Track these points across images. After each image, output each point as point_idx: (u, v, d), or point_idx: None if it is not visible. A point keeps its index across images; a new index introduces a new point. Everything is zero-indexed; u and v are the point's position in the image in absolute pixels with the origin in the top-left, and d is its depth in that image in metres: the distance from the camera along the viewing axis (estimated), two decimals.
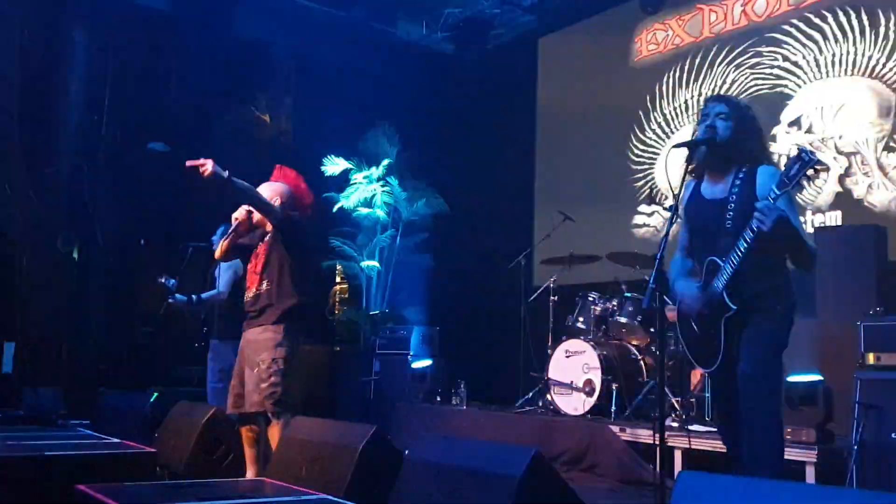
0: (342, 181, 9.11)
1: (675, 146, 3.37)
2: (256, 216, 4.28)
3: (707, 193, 3.40)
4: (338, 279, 9.35)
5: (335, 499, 2.86)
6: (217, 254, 4.47)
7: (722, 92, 7.47)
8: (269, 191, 4.33)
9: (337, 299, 9.28)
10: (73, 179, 8.28)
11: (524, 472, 2.50)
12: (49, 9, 8.06)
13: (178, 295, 5.94)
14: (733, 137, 3.28)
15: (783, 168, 3.03)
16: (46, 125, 8.18)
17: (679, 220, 3.41)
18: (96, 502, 2.84)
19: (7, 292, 7.70)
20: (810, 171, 2.91)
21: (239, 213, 4.33)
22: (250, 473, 4.08)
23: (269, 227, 4.29)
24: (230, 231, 4.33)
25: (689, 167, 3.40)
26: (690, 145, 3.36)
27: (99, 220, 8.33)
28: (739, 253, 3.10)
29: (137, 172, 8.75)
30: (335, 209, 9.03)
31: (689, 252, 3.52)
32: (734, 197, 3.25)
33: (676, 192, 3.29)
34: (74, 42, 8.27)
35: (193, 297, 5.81)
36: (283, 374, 4.01)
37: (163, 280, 6.01)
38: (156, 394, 5.51)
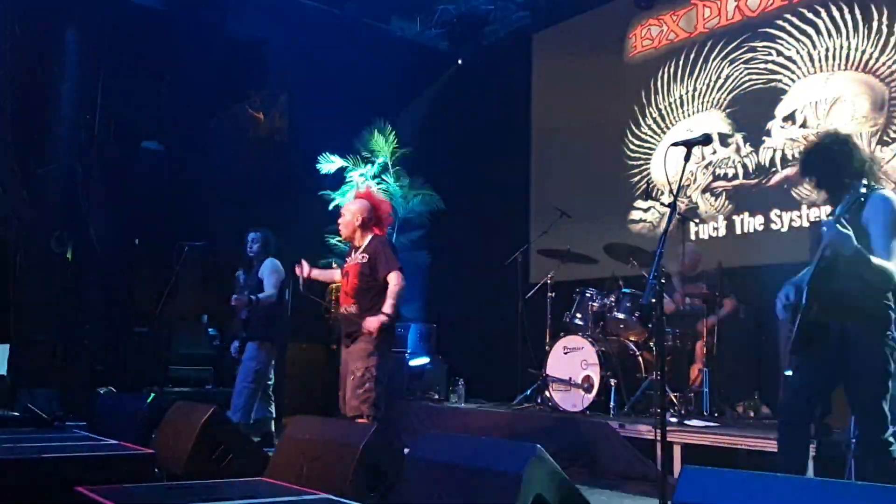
0: (338, 179, 9.09)
1: (673, 144, 3.42)
2: (342, 232, 4.96)
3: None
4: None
5: (336, 498, 2.85)
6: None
7: (717, 88, 7.49)
8: (353, 207, 4.84)
9: (333, 297, 9.26)
10: (66, 180, 8.25)
11: (526, 468, 2.49)
12: (41, 8, 8.01)
13: (237, 295, 5.94)
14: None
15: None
16: (39, 125, 8.15)
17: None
18: None
19: (1, 294, 7.67)
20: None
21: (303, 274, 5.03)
22: None
23: (360, 242, 4.82)
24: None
25: None
26: (689, 144, 3.40)
27: (93, 220, 8.30)
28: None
29: (131, 172, 8.73)
30: (331, 207, 9.02)
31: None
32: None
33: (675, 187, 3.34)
34: (66, 41, 8.23)
35: (252, 297, 5.83)
36: (376, 381, 4.54)
37: (239, 273, 6.14)
38: (153, 395, 5.48)
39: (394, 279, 4.66)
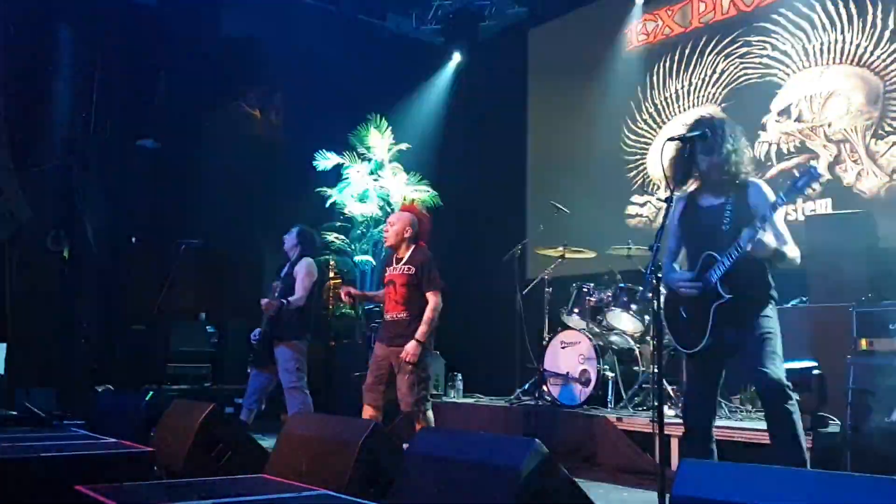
0: (334, 176, 9.10)
1: (669, 139, 3.49)
2: (390, 240, 5.19)
3: (705, 203, 3.76)
4: (331, 274, 9.33)
5: (336, 494, 2.86)
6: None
7: (713, 82, 7.51)
8: (401, 222, 5.15)
9: (331, 295, 9.26)
10: (62, 178, 8.24)
11: (525, 463, 2.50)
12: (35, 6, 8.00)
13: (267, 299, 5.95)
14: (726, 172, 3.60)
15: (793, 179, 3.38)
16: (34, 124, 8.14)
17: (667, 231, 3.71)
18: (95, 503, 2.83)
19: None
20: (815, 185, 3.16)
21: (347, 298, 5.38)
22: None
23: (404, 254, 5.14)
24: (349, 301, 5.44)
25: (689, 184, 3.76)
26: (685, 139, 3.56)
27: (89, 218, 8.30)
28: (732, 256, 3.48)
29: (126, 170, 8.72)
30: (328, 204, 9.03)
31: (676, 258, 3.88)
32: (731, 202, 3.64)
33: (672, 184, 3.49)
34: (61, 39, 8.22)
35: (283, 301, 5.83)
36: (427, 380, 4.96)
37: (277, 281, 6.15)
38: (151, 393, 5.48)
39: (433, 300, 5.00)
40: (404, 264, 5.09)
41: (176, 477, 4.16)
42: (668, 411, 5.52)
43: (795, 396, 3.46)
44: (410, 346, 4.87)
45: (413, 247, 5.15)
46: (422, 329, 4.90)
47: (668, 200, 3.49)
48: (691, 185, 3.78)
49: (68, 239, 8.20)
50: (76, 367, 7.70)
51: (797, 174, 3.38)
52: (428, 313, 4.96)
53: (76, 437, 4.75)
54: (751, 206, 3.57)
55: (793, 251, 3.55)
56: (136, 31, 8.51)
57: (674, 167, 3.73)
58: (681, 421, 5.22)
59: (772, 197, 3.54)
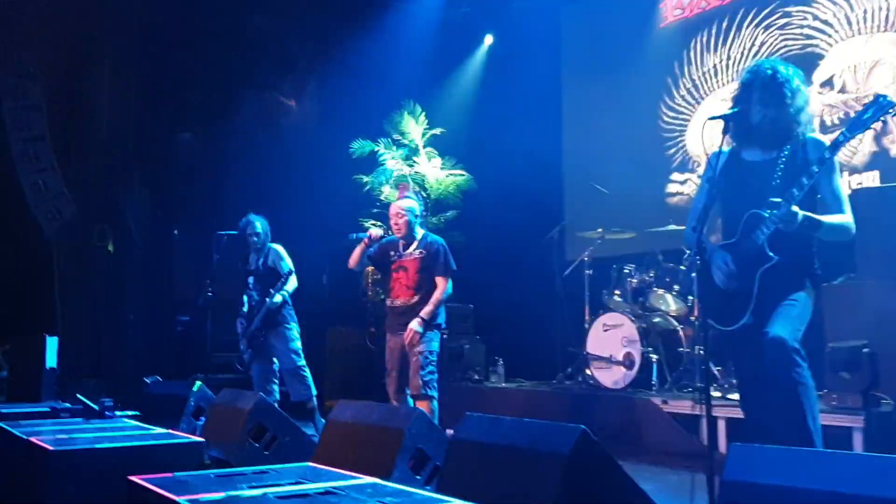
0: (370, 162, 9.11)
1: (710, 119, 3.33)
2: (402, 230, 5.13)
3: (750, 157, 3.44)
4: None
5: (384, 482, 2.87)
6: (351, 262, 5.27)
7: (752, 55, 7.35)
8: (409, 206, 5.15)
9: (370, 281, 9.30)
10: (105, 173, 8.38)
11: (572, 449, 2.49)
12: (77, 6, 8.09)
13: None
14: (779, 121, 3.30)
15: (858, 111, 3.07)
16: (76, 121, 8.27)
17: (699, 189, 3.48)
18: (149, 493, 2.88)
19: (46, 288, 7.84)
20: (885, 117, 2.96)
21: (374, 232, 5.22)
22: None
23: (415, 250, 5.11)
24: (364, 241, 5.15)
25: (726, 137, 3.39)
26: (727, 118, 3.32)
27: (132, 212, 8.43)
28: (793, 197, 3.11)
29: (165, 162, 8.83)
30: (364, 191, 9.04)
31: (704, 221, 3.37)
32: (784, 158, 3.30)
33: (715, 166, 3.31)
34: (102, 39, 8.32)
35: (283, 293, 6.20)
36: (436, 363, 4.96)
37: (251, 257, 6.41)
38: (199, 382, 5.57)
39: (442, 285, 5.00)
40: (416, 249, 5.10)
41: (225, 466, 4.22)
42: (715, 392, 5.46)
43: (805, 364, 3.10)
44: (414, 323, 4.89)
45: (423, 231, 5.20)
46: (427, 308, 4.92)
47: (713, 182, 3.25)
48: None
49: (113, 233, 8.35)
50: (125, 358, 7.85)
51: (863, 108, 3.05)
52: (437, 295, 4.98)
53: (128, 427, 4.84)
54: (809, 161, 3.22)
55: (846, 219, 3.24)
56: (172, 26, 8.58)
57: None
58: (727, 402, 5.19)
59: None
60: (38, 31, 7.85)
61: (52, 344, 6.81)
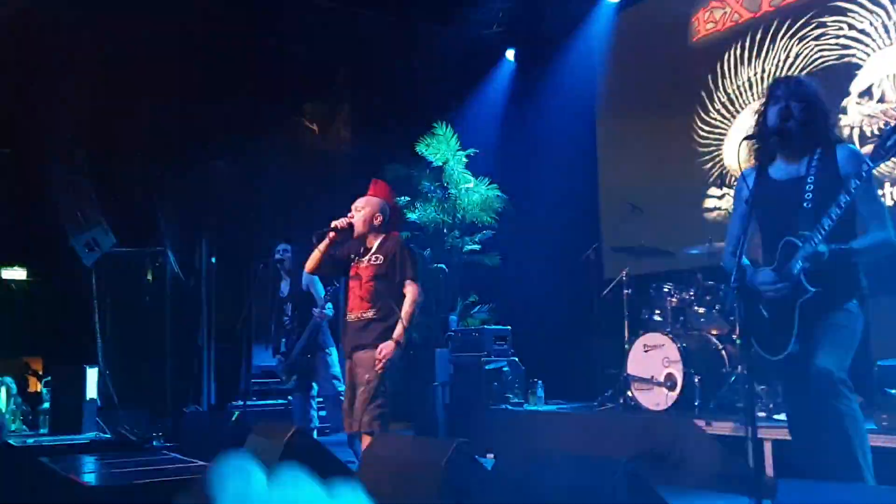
0: (404, 184, 9.11)
1: (745, 138, 3.25)
2: (358, 226, 4.46)
3: (778, 174, 3.29)
4: None
5: None
6: (309, 266, 4.55)
7: (787, 67, 7.23)
8: (370, 206, 4.50)
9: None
10: (142, 204, 8.48)
11: (615, 485, 2.42)
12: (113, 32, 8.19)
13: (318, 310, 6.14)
14: (807, 123, 3.16)
15: (879, 139, 2.92)
16: (112, 152, 8.39)
17: (736, 210, 3.37)
18: None
19: (87, 319, 7.93)
20: None
21: (341, 223, 4.45)
22: None
23: (372, 243, 4.49)
24: (329, 236, 4.43)
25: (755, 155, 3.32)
26: (760, 137, 3.25)
27: (170, 240, 8.52)
28: (823, 231, 2.99)
29: (201, 192, 8.91)
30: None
31: (741, 246, 3.23)
32: (813, 173, 3.14)
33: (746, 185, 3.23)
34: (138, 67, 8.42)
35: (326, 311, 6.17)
36: (387, 394, 4.24)
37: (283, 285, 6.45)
38: (237, 413, 5.59)
39: (411, 293, 4.32)
40: (373, 254, 4.41)
41: None
42: (760, 413, 5.32)
43: (853, 396, 2.97)
44: (387, 347, 4.19)
45: (383, 236, 4.50)
46: (399, 329, 4.22)
47: (748, 205, 3.14)
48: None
49: (151, 263, 8.44)
50: (165, 388, 7.90)
51: (882, 135, 2.91)
52: (407, 307, 4.26)
53: (167, 460, 4.87)
54: (841, 174, 3.06)
55: (885, 237, 3.08)
56: (205, 52, 8.66)
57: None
58: (773, 424, 5.05)
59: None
60: (75, 62, 7.99)
61: (91, 375, 6.88)
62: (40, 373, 9.10)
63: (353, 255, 4.50)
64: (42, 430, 7.33)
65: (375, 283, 4.33)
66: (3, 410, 7.22)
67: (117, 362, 7.79)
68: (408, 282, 4.32)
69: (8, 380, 7.72)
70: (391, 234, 4.52)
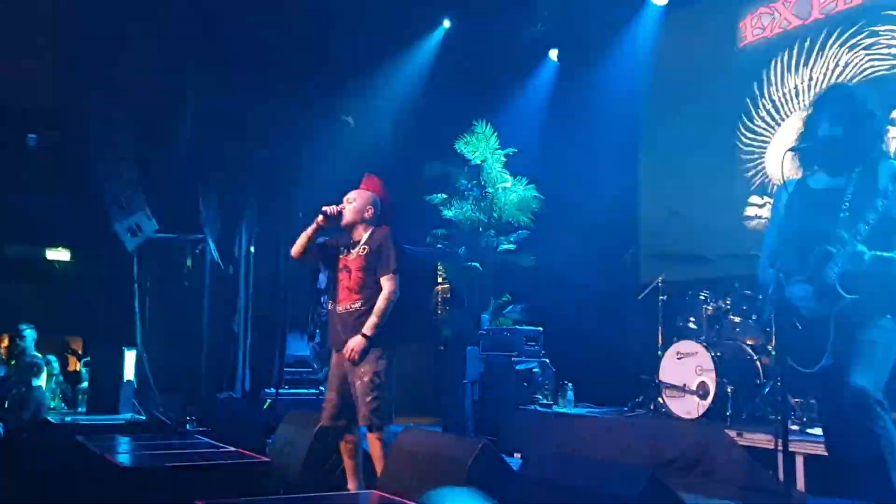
0: (442, 182, 9.13)
1: (790, 150, 3.21)
2: (348, 216, 4.43)
3: (817, 184, 3.28)
4: (439, 279, 9.39)
5: None
6: (294, 250, 4.51)
7: (836, 76, 7.11)
8: (361, 198, 4.51)
9: (439, 300, 9.32)
10: (185, 191, 8.61)
11: (640, 493, 2.42)
12: (167, 34, 8.35)
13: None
14: (854, 137, 3.13)
15: None
16: (160, 139, 8.55)
17: (773, 219, 3.35)
18: None
19: (127, 302, 8.09)
20: None
21: (331, 209, 4.42)
22: (351, 485, 4.10)
23: (360, 236, 4.45)
24: (316, 221, 4.40)
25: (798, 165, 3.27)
26: (805, 150, 3.21)
27: (210, 228, 8.65)
28: (860, 235, 2.98)
29: (238, 181, 9.03)
30: (435, 211, 9.07)
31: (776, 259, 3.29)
32: (853, 183, 3.12)
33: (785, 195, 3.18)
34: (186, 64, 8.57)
35: None
36: (384, 387, 4.15)
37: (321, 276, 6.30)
38: (268, 401, 5.66)
39: (387, 286, 4.26)
40: (362, 245, 4.41)
41: (290, 487, 4.26)
42: (793, 426, 5.25)
43: (887, 416, 2.93)
44: (354, 342, 4.14)
45: (372, 228, 4.49)
46: (372, 321, 4.15)
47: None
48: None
49: (191, 249, 8.57)
50: (200, 373, 8.02)
51: None
52: (380, 302, 4.20)
53: (199, 444, 4.95)
54: (880, 188, 3.03)
55: None
56: (247, 55, 8.78)
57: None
58: (806, 438, 4.98)
59: None
60: (123, 52, 8.15)
61: (130, 357, 7.01)
62: (80, 352, 9.32)
63: (342, 248, 4.50)
64: (80, 409, 7.50)
65: (364, 274, 4.33)
66: (45, 388, 7.41)
67: (155, 346, 7.93)
68: (386, 275, 4.29)
69: (52, 358, 7.93)
70: (380, 228, 4.51)
